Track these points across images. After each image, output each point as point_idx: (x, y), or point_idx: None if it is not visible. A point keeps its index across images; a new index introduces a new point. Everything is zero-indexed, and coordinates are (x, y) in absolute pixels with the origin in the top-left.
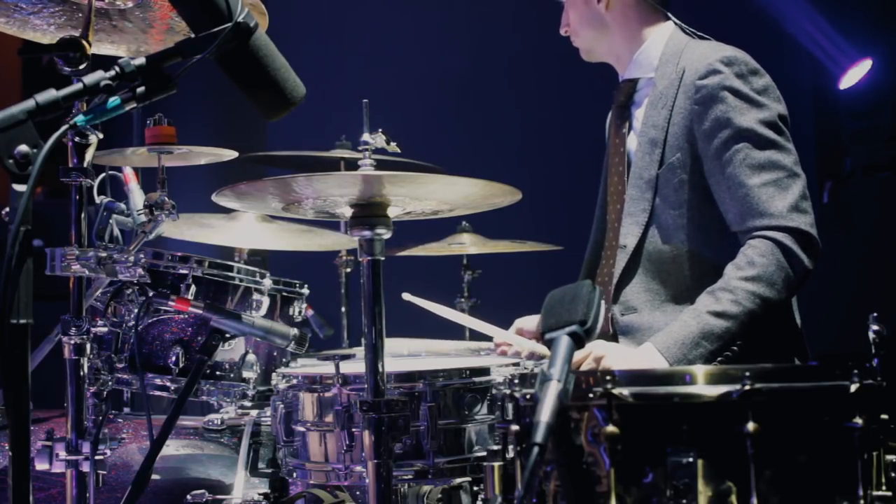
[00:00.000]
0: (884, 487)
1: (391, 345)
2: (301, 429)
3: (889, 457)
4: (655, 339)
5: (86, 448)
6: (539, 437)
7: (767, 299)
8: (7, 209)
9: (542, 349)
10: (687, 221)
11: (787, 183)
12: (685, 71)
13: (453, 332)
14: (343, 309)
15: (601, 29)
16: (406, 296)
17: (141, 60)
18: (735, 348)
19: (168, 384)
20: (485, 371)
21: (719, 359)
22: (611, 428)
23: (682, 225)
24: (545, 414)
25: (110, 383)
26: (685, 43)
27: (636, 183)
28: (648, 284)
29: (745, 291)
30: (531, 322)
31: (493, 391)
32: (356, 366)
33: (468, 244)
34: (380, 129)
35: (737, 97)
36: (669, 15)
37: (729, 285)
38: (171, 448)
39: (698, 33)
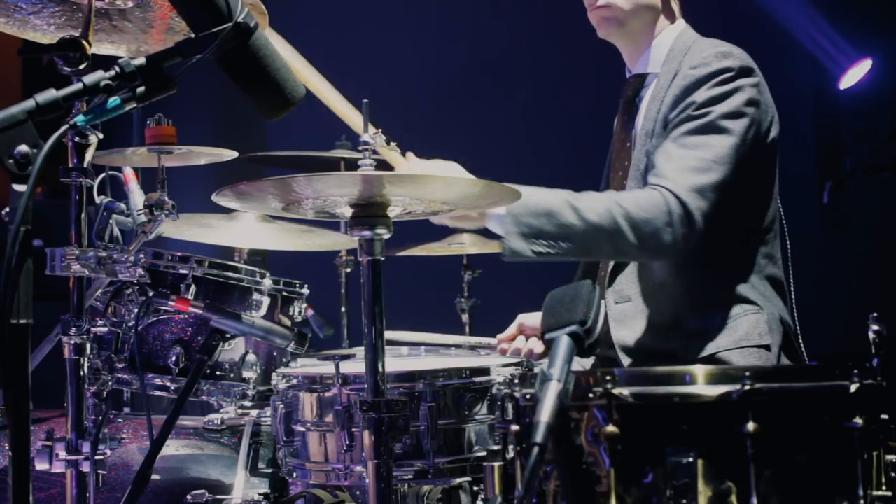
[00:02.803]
0: (884, 487)
1: (394, 337)
2: (301, 429)
3: (889, 457)
4: (522, 187)
5: (86, 448)
6: (539, 437)
7: (621, 234)
8: (7, 209)
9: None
10: None
11: (707, 166)
12: (682, 65)
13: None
14: (343, 309)
15: (650, 10)
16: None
17: (141, 60)
18: (565, 246)
19: (168, 384)
20: (485, 371)
21: (538, 250)
22: (611, 428)
23: None
24: (545, 414)
25: (110, 383)
26: (693, 41)
27: (634, 175)
28: (641, 273)
29: (609, 212)
30: (535, 319)
31: (493, 391)
32: (356, 366)
33: (468, 244)
34: (380, 129)
35: (712, 84)
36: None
37: (602, 196)
38: (171, 448)
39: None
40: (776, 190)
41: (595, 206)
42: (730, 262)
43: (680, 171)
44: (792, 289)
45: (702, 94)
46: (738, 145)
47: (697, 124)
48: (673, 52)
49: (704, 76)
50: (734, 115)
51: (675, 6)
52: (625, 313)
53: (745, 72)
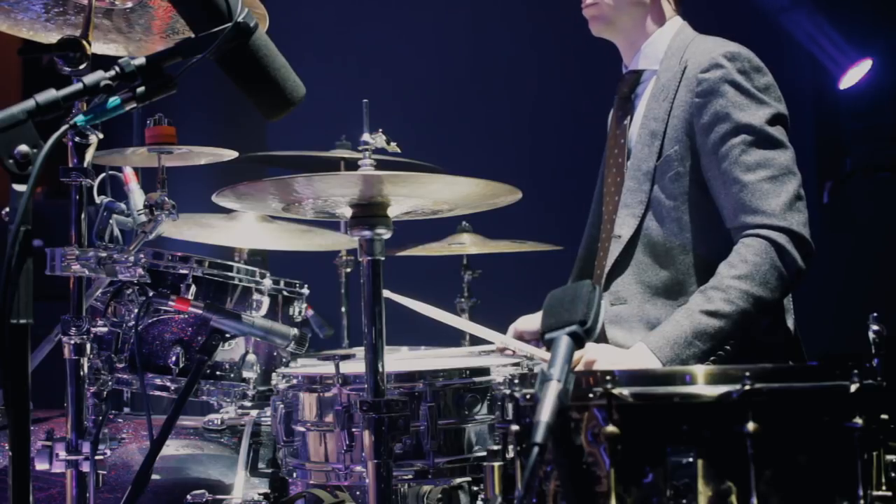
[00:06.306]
0: (884, 487)
1: (390, 353)
2: (301, 429)
3: (889, 457)
4: (648, 340)
5: (86, 448)
6: (539, 437)
7: (760, 298)
8: (7, 209)
9: (541, 353)
10: (682, 214)
11: (781, 181)
12: (688, 64)
13: (453, 336)
14: (343, 309)
15: (638, 6)
16: (386, 293)
17: (141, 60)
18: (728, 347)
19: (168, 384)
20: (485, 371)
21: (712, 358)
22: (611, 428)
23: (676, 218)
24: (545, 414)
25: (110, 383)
26: (692, 38)
27: (634, 174)
28: (640, 276)
29: (738, 290)
30: (530, 322)
31: (493, 391)
32: (356, 366)
33: (468, 244)
34: (380, 129)
35: (738, 92)
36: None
37: (721, 284)
38: (171, 448)
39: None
40: None
41: (723, 295)
42: None
43: (761, 197)
44: None
45: (735, 107)
46: (790, 145)
47: (749, 140)
48: (671, 49)
49: (728, 81)
50: (773, 119)
51: (670, 3)
52: (620, 315)
53: (759, 69)
